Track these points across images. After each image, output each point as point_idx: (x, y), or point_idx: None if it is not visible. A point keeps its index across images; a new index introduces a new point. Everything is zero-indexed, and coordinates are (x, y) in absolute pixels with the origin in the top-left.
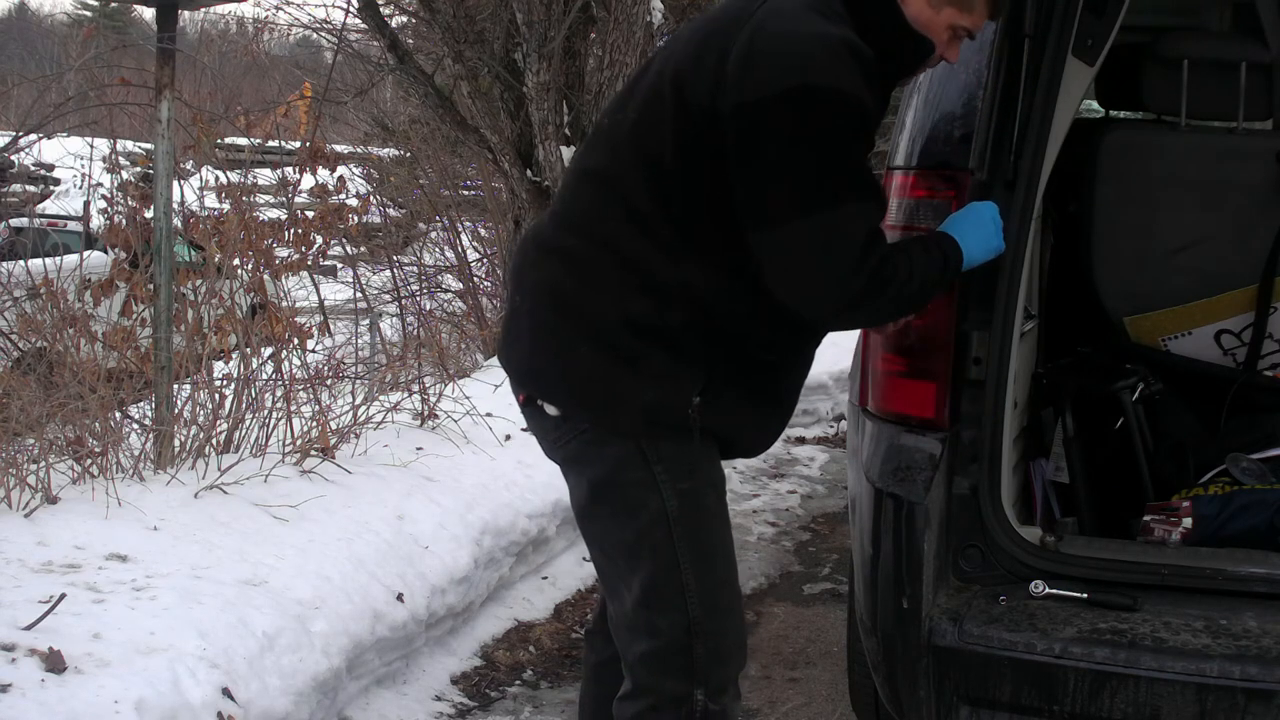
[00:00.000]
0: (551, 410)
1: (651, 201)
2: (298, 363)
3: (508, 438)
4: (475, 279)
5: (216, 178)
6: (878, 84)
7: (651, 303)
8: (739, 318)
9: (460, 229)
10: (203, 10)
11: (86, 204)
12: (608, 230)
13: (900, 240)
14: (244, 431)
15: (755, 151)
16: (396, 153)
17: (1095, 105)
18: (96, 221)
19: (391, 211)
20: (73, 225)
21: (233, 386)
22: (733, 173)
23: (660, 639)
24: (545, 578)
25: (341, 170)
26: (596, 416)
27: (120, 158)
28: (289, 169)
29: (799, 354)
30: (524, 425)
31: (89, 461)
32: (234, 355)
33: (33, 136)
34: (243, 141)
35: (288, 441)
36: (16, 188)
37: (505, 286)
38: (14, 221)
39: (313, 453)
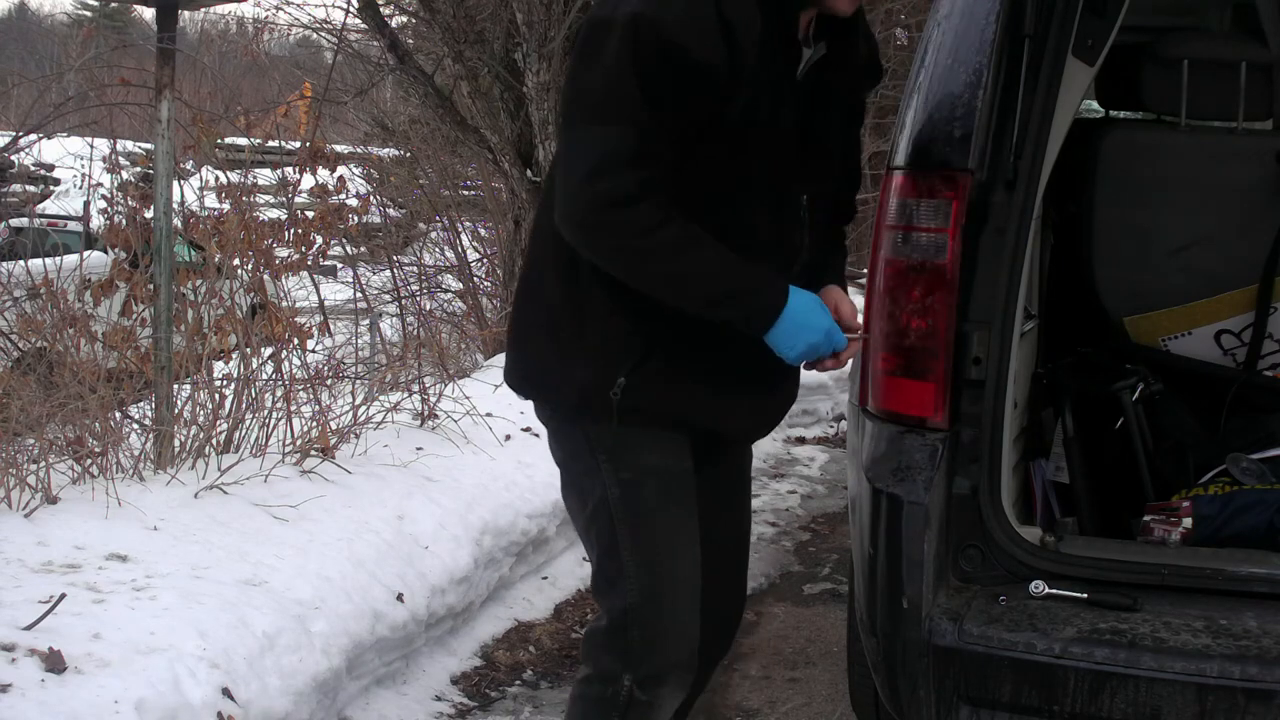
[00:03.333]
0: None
1: None
2: (298, 363)
3: (508, 438)
4: (475, 279)
5: (216, 178)
6: (729, 20)
7: (581, 266)
8: None
9: (460, 229)
10: (203, 10)
11: (86, 204)
12: (550, 204)
13: (708, 237)
14: (244, 431)
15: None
16: (396, 153)
17: (1095, 105)
18: (96, 221)
19: (391, 211)
20: (73, 225)
21: (233, 386)
22: None
23: (604, 619)
24: (545, 578)
25: (341, 170)
26: (541, 403)
27: (120, 158)
28: (289, 169)
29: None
30: (525, 425)
31: (89, 461)
32: (234, 355)
33: (33, 136)
34: (243, 141)
35: (288, 441)
36: (16, 188)
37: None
38: (14, 221)
39: (313, 453)
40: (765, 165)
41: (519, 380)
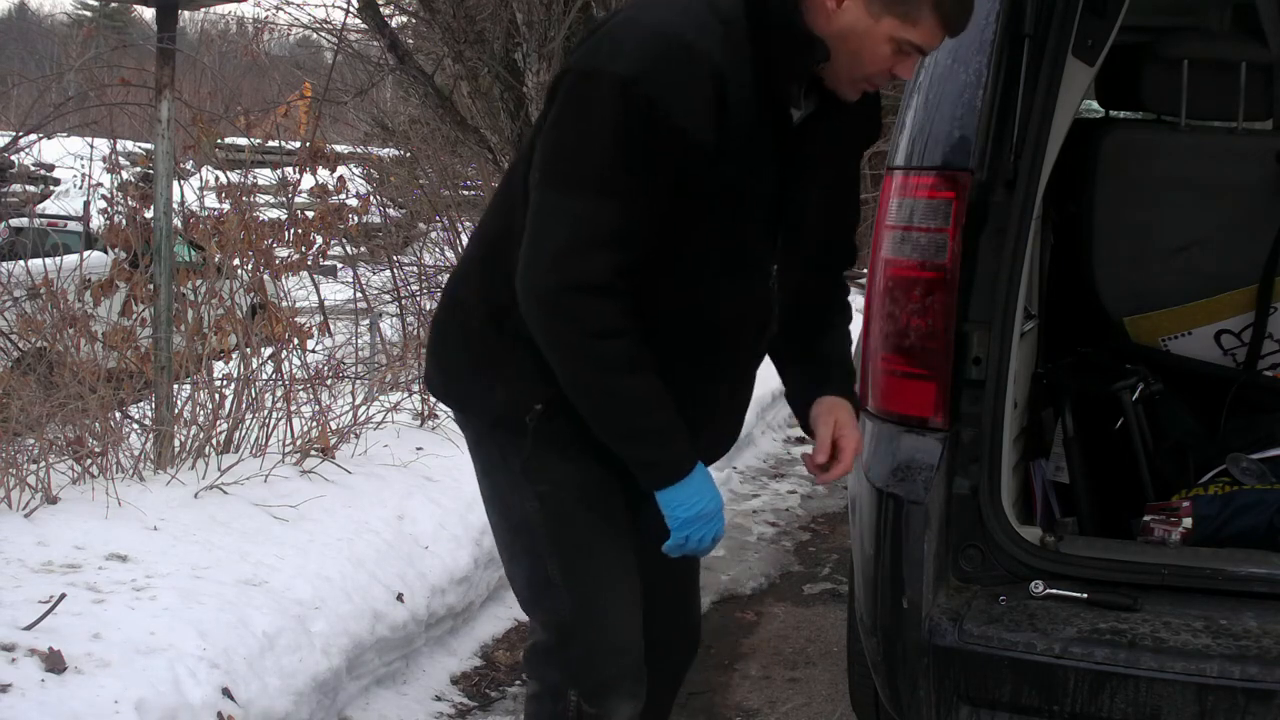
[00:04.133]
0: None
1: (524, 186)
2: (298, 363)
3: None
4: None
5: (216, 178)
6: (728, 85)
7: (510, 294)
8: None
9: (460, 229)
10: (203, 10)
11: (86, 204)
12: (491, 222)
13: (654, 370)
14: (244, 431)
15: (547, 116)
16: (396, 153)
17: (1095, 105)
18: (96, 221)
19: (391, 211)
20: (73, 225)
21: (233, 386)
22: None
23: (537, 635)
24: None
25: (341, 170)
26: (460, 414)
27: (120, 158)
28: (289, 169)
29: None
30: None
31: (89, 461)
32: (234, 355)
33: (33, 136)
34: (243, 141)
35: (288, 441)
36: (16, 188)
37: None
38: (14, 221)
39: (313, 453)
40: (734, 237)
41: (439, 389)
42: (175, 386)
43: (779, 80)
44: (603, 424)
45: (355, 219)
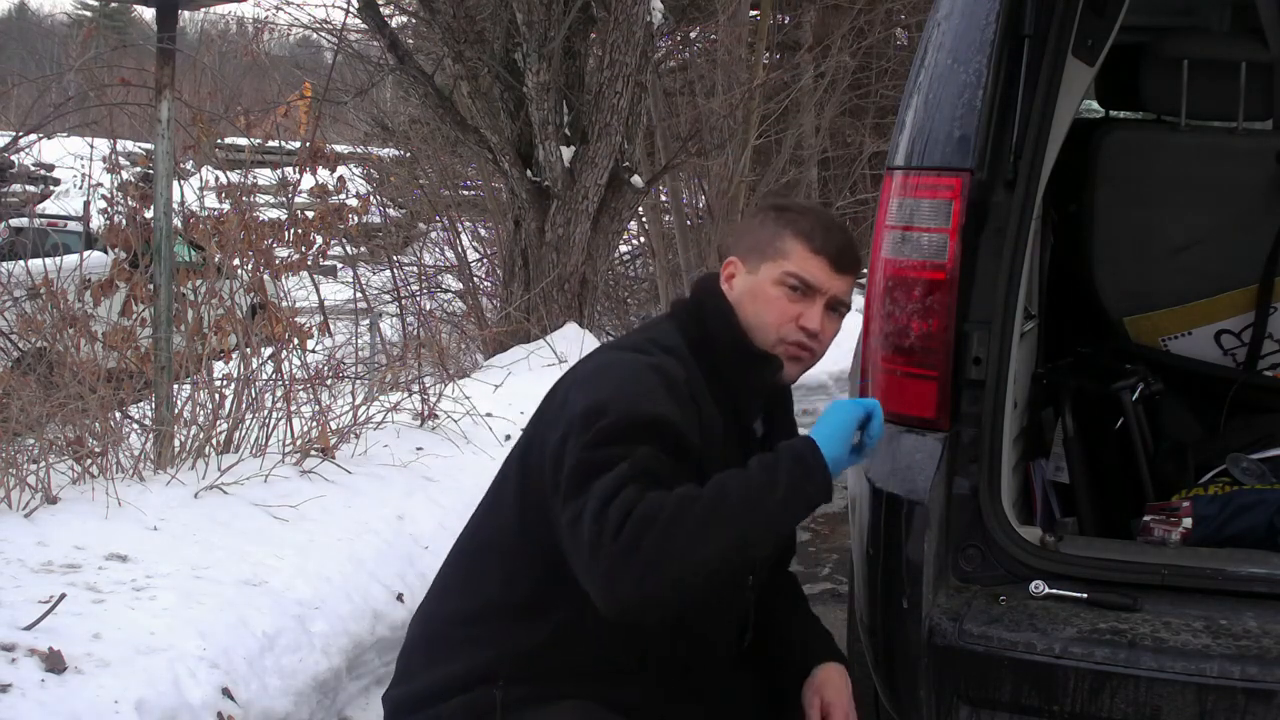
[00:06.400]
0: None
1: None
2: (298, 363)
3: (508, 438)
4: (475, 279)
5: (216, 178)
6: (699, 399)
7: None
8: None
9: (460, 229)
10: (203, 10)
11: (86, 204)
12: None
13: (724, 474)
14: (244, 431)
15: (561, 463)
16: (396, 153)
17: (1095, 105)
18: (96, 221)
19: (391, 211)
20: (73, 225)
21: (233, 386)
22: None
23: None
24: None
25: (341, 170)
26: None
27: (120, 158)
28: (289, 169)
29: None
30: (524, 425)
31: (89, 461)
32: (234, 355)
33: (33, 136)
34: (243, 141)
35: (288, 441)
36: (16, 188)
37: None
38: (14, 221)
39: (313, 453)
40: None
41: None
42: (175, 386)
43: (743, 398)
44: (761, 527)
45: (355, 219)
